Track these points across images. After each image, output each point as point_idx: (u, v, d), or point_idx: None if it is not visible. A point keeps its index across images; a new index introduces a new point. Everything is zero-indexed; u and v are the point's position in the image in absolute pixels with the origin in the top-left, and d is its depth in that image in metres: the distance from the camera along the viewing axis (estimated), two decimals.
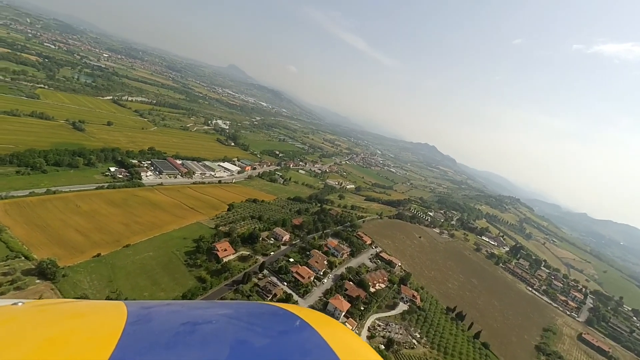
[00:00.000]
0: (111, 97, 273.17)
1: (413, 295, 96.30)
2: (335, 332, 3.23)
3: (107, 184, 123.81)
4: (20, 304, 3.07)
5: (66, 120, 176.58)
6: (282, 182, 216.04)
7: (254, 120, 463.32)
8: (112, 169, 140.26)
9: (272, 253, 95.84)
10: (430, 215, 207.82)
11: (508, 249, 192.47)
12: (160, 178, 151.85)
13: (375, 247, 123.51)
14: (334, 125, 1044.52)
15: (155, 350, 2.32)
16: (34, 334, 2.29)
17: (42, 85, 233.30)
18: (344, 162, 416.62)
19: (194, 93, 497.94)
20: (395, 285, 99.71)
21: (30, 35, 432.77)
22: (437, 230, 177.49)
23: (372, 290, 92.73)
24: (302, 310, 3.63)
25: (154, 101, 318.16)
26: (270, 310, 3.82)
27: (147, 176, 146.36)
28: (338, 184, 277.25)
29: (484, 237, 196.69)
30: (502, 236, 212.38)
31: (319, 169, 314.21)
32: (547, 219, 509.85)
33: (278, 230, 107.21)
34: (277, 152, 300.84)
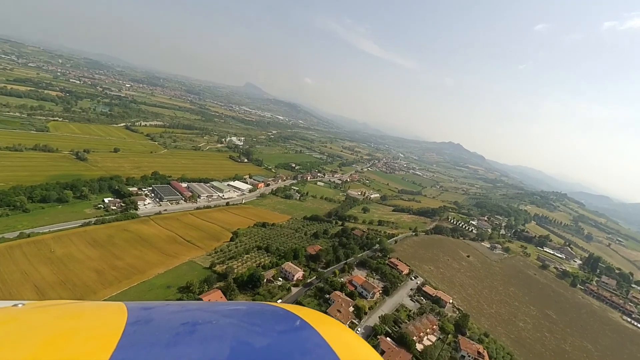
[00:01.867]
0: (124, 124, 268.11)
1: (478, 352, 67.69)
2: (335, 331, 3.19)
3: (95, 219, 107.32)
4: (20, 304, 3.06)
5: (71, 151, 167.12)
6: (298, 197, 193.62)
7: (270, 134, 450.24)
8: (107, 199, 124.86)
9: (279, 300, 72.00)
10: (473, 225, 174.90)
11: (581, 262, 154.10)
12: (160, 205, 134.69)
13: (415, 278, 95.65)
14: (352, 132, 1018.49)
15: (155, 351, 2.31)
16: (34, 335, 2.28)
17: (56, 118, 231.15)
18: (365, 170, 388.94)
19: (210, 113, 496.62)
20: (450, 337, 71.75)
21: (58, 73, 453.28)
22: (486, 244, 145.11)
23: (419, 347, 65.64)
24: (302, 310, 3.58)
25: (168, 124, 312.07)
26: (271, 310, 3.75)
27: (145, 205, 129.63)
28: (361, 194, 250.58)
29: (546, 249, 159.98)
30: (569, 245, 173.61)
31: (339, 179, 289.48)
32: (603, 215, 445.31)
33: (288, 266, 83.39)
34: (293, 165, 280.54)
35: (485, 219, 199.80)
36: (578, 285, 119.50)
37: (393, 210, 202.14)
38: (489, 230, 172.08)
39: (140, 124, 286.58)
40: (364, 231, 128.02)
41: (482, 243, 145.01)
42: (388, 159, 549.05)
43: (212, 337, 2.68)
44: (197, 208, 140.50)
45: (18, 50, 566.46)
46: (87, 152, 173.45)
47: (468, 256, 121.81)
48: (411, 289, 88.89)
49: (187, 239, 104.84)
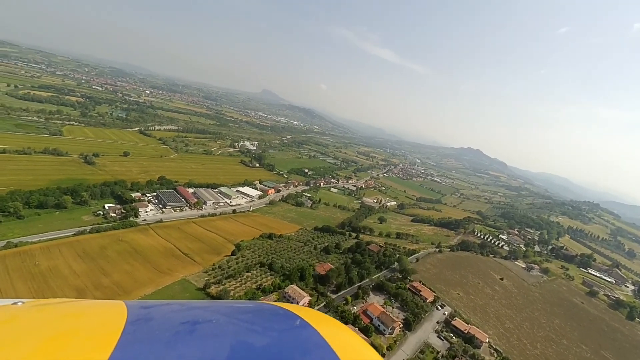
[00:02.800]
0: (139, 128, 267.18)
1: None
2: (335, 331, 3.18)
3: (90, 227, 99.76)
4: (20, 303, 3.05)
5: (80, 155, 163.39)
6: (309, 205, 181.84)
7: (284, 139, 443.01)
8: (108, 206, 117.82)
9: None
10: (503, 240, 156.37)
11: (635, 288, 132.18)
12: (163, 212, 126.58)
13: (442, 307, 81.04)
14: (367, 137, 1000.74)
15: (155, 350, 2.29)
16: (34, 334, 2.28)
17: (72, 123, 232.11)
18: (381, 176, 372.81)
19: (225, 118, 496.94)
20: None
21: (82, 81, 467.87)
22: (521, 263, 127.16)
23: None
24: (301, 309, 3.57)
25: (181, 128, 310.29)
26: (271, 310, 3.74)
27: (146, 212, 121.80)
28: (377, 201, 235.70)
29: (591, 270, 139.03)
30: (617, 266, 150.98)
31: (354, 186, 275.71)
32: None
33: (292, 290, 71.28)
34: (306, 170, 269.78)
35: (516, 232, 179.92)
36: (637, 318, 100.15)
37: (412, 221, 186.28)
38: (522, 246, 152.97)
39: (154, 128, 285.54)
40: (380, 246, 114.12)
41: (516, 262, 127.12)
42: (405, 165, 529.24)
43: (212, 336, 2.66)
44: (202, 216, 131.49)
45: (48, 60, 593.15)
46: (97, 155, 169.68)
47: (502, 279, 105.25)
48: (438, 322, 74.40)
49: (185, 251, 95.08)
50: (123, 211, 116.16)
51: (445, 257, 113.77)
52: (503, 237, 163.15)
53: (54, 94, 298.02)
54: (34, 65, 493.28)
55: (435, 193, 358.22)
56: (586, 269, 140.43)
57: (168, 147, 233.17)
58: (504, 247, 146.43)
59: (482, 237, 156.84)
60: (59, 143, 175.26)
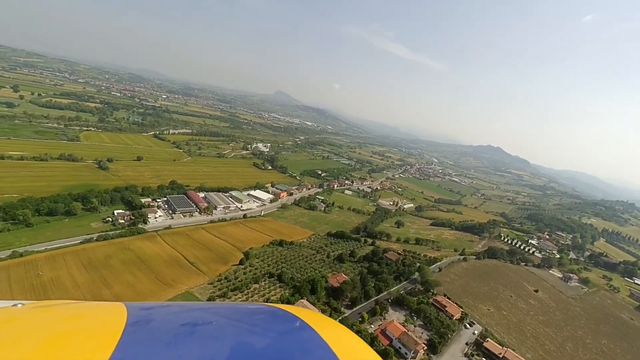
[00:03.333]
0: (153, 132, 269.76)
1: None
2: (335, 333, 3.18)
3: (97, 235, 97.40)
4: (20, 305, 3.05)
5: (95, 160, 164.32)
6: (322, 208, 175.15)
7: (297, 140, 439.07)
8: (117, 212, 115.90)
9: None
10: (534, 245, 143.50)
11: None
12: (172, 218, 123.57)
13: (471, 325, 72.10)
14: (382, 136, 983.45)
15: (155, 351, 2.30)
16: (34, 335, 2.28)
17: (90, 128, 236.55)
18: (397, 176, 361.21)
19: (239, 120, 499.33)
20: None
21: (102, 87, 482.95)
22: (556, 272, 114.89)
23: None
24: (301, 311, 3.56)
25: (195, 132, 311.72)
26: (271, 312, 3.75)
27: (155, 218, 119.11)
28: (393, 203, 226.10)
29: (637, 281, 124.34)
30: None
31: (369, 187, 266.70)
32: None
33: (302, 305, 64.63)
34: (320, 172, 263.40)
35: (547, 236, 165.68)
36: None
37: (431, 224, 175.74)
38: (555, 252, 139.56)
39: (169, 132, 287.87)
40: (399, 253, 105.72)
41: (551, 271, 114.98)
42: (421, 165, 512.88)
43: (212, 338, 2.67)
44: (211, 221, 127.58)
45: (72, 69, 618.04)
46: (110, 160, 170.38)
47: (536, 291, 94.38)
48: (467, 344, 65.71)
49: (191, 260, 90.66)
50: (132, 218, 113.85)
51: (471, 266, 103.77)
52: (533, 242, 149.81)
53: (74, 101, 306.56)
54: (57, 74, 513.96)
55: (454, 194, 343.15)
56: (632, 278, 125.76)
57: (181, 150, 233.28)
58: (536, 253, 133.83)
59: (509, 242, 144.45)
60: (75, 149, 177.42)
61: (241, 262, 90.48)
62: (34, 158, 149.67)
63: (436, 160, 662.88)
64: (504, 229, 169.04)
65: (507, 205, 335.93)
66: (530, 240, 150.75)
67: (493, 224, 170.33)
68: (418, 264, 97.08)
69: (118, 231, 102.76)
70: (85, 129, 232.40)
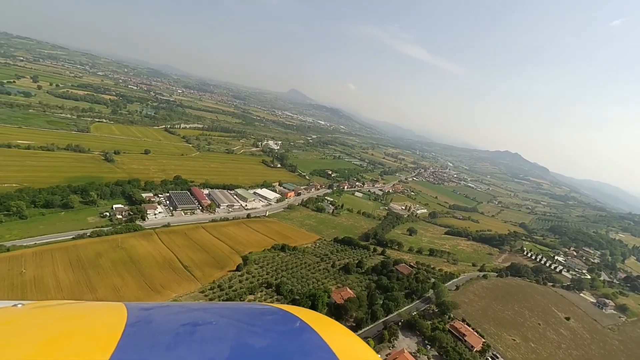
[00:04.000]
0: (164, 126, 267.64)
1: None
2: (335, 333, 3.18)
3: (91, 231, 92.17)
4: (20, 305, 3.05)
5: (102, 152, 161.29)
6: (331, 211, 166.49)
7: (309, 138, 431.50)
8: (116, 206, 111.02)
9: None
10: (560, 262, 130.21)
11: None
12: (172, 215, 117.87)
13: (494, 359, 61.93)
14: (396, 138, 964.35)
15: (155, 352, 2.30)
16: (34, 335, 2.28)
17: (102, 120, 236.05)
18: (410, 179, 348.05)
19: (252, 116, 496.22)
20: None
21: (120, 81, 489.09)
22: (589, 296, 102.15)
23: None
24: (301, 311, 3.56)
25: (206, 126, 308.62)
26: (271, 312, 3.76)
27: (155, 214, 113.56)
28: (405, 208, 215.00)
29: None
30: None
31: (380, 190, 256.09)
32: None
33: None
34: (330, 172, 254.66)
35: (574, 252, 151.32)
36: None
37: (446, 233, 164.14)
38: (585, 272, 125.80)
39: (180, 126, 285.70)
40: (411, 266, 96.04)
41: (582, 294, 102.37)
42: (435, 168, 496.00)
43: (212, 338, 2.66)
44: (213, 220, 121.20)
45: (93, 62, 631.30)
46: (117, 153, 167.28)
47: (568, 318, 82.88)
48: None
49: (185, 263, 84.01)
50: (130, 213, 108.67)
51: (492, 285, 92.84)
52: (560, 259, 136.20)
53: (89, 93, 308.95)
54: (78, 66, 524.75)
55: (469, 200, 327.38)
56: None
57: (190, 145, 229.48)
58: (564, 272, 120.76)
59: (533, 257, 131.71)
60: (84, 140, 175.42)
61: (238, 268, 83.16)
62: (40, 148, 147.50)
63: (451, 165, 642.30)
64: (527, 242, 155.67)
65: (526, 214, 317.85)
66: (556, 257, 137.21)
67: (514, 236, 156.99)
68: (432, 280, 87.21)
69: (114, 227, 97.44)
70: (97, 120, 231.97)
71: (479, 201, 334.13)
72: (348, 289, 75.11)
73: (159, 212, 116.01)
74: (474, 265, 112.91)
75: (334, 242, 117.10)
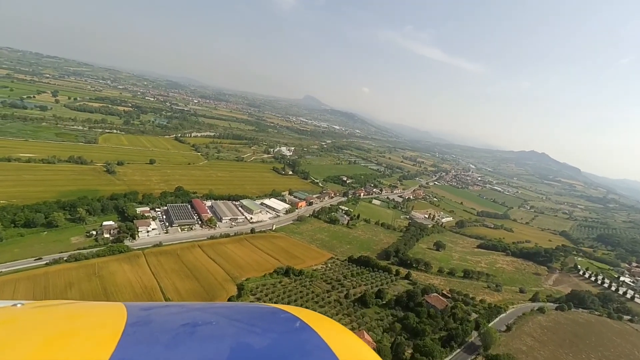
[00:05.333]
0: (175, 135, 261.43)
1: None
2: (335, 333, 3.12)
3: (68, 255, 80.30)
4: (20, 304, 3.02)
5: (105, 163, 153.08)
6: (346, 222, 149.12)
7: (323, 143, 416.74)
8: (105, 223, 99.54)
9: None
10: (628, 284, 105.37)
11: None
12: (167, 232, 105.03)
13: None
14: (413, 141, 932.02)
15: (155, 352, 2.28)
16: (33, 335, 2.25)
17: (112, 130, 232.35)
18: (431, 184, 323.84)
19: (265, 123, 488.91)
20: None
21: (139, 93, 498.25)
22: None
23: None
24: (301, 311, 3.50)
25: (217, 134, 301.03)
26: (270, 312, 3.68)
27: (147, 231, 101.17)
28: (429, 216, 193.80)
29: None
30: None
31: (400, 196, 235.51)
32: None
33: None
34: (345, 178, 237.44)
35: (638, 269, 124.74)
36: None
37: (479, 247, 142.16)
38: None
39: (191, 134, 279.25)
40: (445, 296, 77.01)
41: None
42: (457, 171, 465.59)
43: (212, 338, 2.63)
44: (211, 237, 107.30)
45: (115, 76, 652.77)
46: (121, 164, 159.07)
47: None
48: None
49: (168, 295, 69.78)
50: (119, 231, 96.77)
51: (554, 323, 71.70)
52: (626, 279, 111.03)
53: (105, 105, 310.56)
54: (101, 81, 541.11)
55: (498, 205, 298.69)
56: None
57: (199, 153, 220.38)
58: (636, 298, 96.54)
59: (592, 279, 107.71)
60: (89, 151, 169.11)
61: (230, 300, 67.60)
62: (42, 161, 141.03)
63: (473, 167, 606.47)
64: (579, 258, 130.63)
65: (564, 220, 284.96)
66: (621, 277, 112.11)
67: (563, 251, 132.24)
68: (474, 316, 67.78)
69: (97, 249, 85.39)
70: (108, 131, 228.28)
71: (508, 206, 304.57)
72: (365, 333, 57.65)
73: (152, 229, 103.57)
74: (521, 291, 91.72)
75: (349, 261, 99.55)
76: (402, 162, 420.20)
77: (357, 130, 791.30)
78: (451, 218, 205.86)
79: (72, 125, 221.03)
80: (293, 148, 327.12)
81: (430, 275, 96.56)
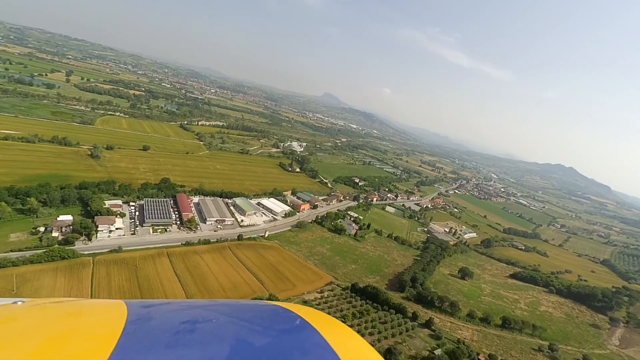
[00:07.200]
0: (180, 122, 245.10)
1: None
2: (336, 331, 3.11)
3: None
4: (20, 302, 3.00)
5: (92, 146, 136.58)
6: (353, 232, 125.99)
7: (337, 141, 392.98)
8: (62, 218, 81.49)
9: None
10: None
11: None
12: (134, 233, 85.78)
13: None
14: (432, 145, 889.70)
15: (155, 349, 2.27)
16: (33, 333, 2.25)
17: (114, 113, 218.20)
18: (451, 192, 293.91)
19: (280, 117, 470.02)
20: None
21: (157, 79, 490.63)
22: None
23: None
24: (302, 309, 3.48)
25: (226, 124, 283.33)
26: (271, 309, 3.70)
27: (109, 231, 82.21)
28: (450, 231, 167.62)
29: None
30: None
31: (416, 204, 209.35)
32: None
33: None
34: (357, 180, 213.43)
35: None
36: None
37: (512, 276, 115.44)
38: None
39: (197, 123, 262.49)
40: (479, 352, 52.89)
41: None
42: (479, 180, 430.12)
43: (212, 336, 2.63)
44: (188, 242, 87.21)
45: (137, 62, 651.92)
46: (110, 148, 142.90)
47: None
48: None
49: None
50: (73, 229, 78.18)
51: None
52: None
53: (115, 88, 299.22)
54: (122, 65, 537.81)
55: (525, 222, 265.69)
56: None
57: (202, 143, 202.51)
58: None
59: None
60: (79, 132, 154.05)
61: None
62: (21, 139, 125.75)
63: (495, 176, 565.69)
64: None
65: (601, 245, 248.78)
66: None
67: (628, 295, 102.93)
68: None
69: (32, 252, 66.79)
70: (110, 113, 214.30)
71: (536, 223, 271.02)
72: None
73: (117, 229, 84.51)
74: (584, 359, 66.20)
75: (352, 291, 76.72)
76: (420, 166, 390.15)
77: (375, 131, 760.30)
78: (475, 234, 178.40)
79: (75, 105, 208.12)
80: (305, 144, 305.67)
81: (459, 322, 72.39)
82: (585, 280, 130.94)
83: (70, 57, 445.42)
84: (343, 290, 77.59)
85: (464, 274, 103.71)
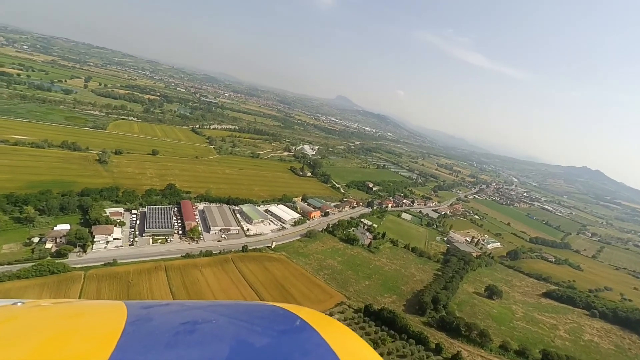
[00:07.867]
0: (192, 126, 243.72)
1: None
2: (336, 332, 3.10)
3: None
4: (19, 303, 3.00)
5: (100, 151, 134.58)
6: (367, 242, 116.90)
7: (350, 144, 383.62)
8: (58, 227, 77.30)
9: None
10: None
11: None
12: (132, 244, 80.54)
13: None
14: (448, 148, 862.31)
15: (155, 350, 2.27)
16: (33, 334, 2.26)
17: (127, 117, 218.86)
18: (470, 197, 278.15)
19: (292, 120, 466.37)
20: None
21: (172, 84, 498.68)
22: None
23: None
24: (302, 310, 3.48)
25: (238, 128, 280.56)
26: (271, 310, 3.68)
27: (106, 242, 77.29)
28: (471, 240, 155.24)
29: None
30: None
31: (434, 210, 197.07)
32: None
33: None
34: (370, 185, 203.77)
35: None
36: None
37: (546, 295, 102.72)
38: None
39: (209, 126, 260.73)
40: None
41: None
42: (499, 184, 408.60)
43: (212, 337, 2.63)
44: (189, 254, 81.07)
45: (154, 68, 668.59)
46: (119, 153, 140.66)
47: None
48: None
49: None
50: (68, 240, 73.63)
51: None
52: None
53: (131, 92, 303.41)
54: (140, 71, 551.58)
55: (552, 230, 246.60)
56: None
57: (212, 146, 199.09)
58: None
59: None
60: (90, 137, 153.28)
61: None
62: (31, 144, 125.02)
63: (516, 180, 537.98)
64: None
65: (639, 256, 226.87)
66: None
67: None
68: None
69: (20, 266, 62.20)
70: (123, 118, 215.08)
71: (564, 231, 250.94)
72: None
73: (115, 239, 79.53)
74: None
75: (365, 314, 67.85)
76: (436, 169, 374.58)
77: (389, 134, 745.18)
78: (499, 244, 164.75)
79: (90, 110, 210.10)
80: (317, 147, 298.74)
81: (491, 356, 61.82)
82: (630, 300, 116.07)
83: (91, 64, 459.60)
84: (355, 313, 68.91)
85: (492, 292, 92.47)
